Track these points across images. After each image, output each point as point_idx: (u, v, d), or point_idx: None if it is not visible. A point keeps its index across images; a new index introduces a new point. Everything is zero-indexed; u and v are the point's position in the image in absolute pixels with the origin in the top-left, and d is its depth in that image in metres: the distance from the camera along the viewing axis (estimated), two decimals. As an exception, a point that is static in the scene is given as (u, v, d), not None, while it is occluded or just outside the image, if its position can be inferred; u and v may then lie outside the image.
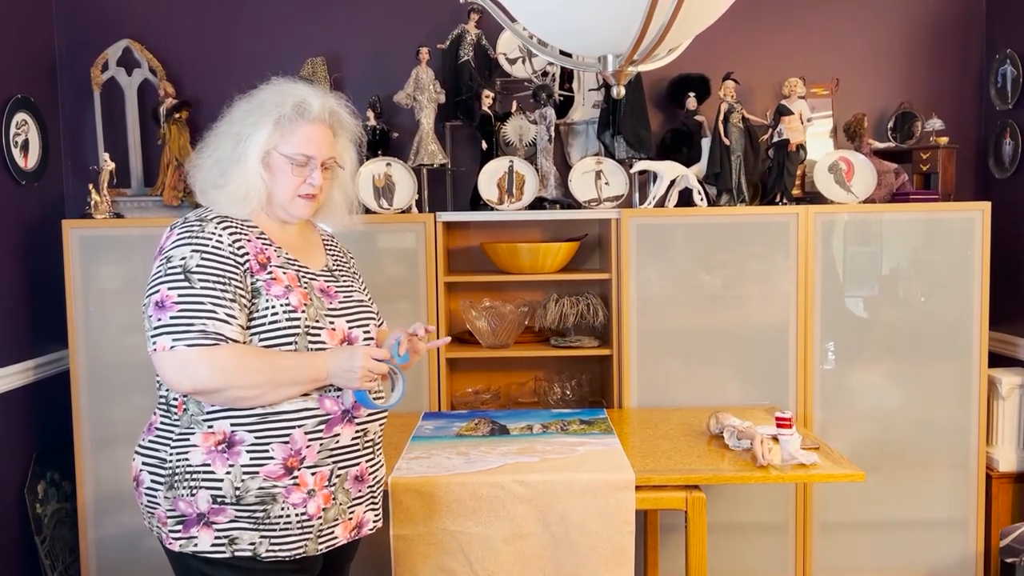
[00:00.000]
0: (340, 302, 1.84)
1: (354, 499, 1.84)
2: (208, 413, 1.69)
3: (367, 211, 3.00)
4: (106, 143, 3.15)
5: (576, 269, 3.22)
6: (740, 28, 3.23)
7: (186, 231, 1.70)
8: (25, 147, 3.02)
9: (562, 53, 1.53)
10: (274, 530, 1.70)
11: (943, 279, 2.96)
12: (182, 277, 1.65)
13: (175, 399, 1.72)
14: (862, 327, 2.98)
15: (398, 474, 2.24)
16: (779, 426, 2.33)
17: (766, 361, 2.98)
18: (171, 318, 1.63)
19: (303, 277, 1.79)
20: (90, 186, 2.98)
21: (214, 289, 1.65)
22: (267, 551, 1.70)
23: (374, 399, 1.77)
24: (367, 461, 1.86)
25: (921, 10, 3.33)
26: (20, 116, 2.98)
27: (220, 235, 1.71)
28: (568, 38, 1.35)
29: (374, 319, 1.93)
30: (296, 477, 1.70)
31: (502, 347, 3.07)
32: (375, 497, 1.92)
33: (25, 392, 3.00)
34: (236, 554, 1.68)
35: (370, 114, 3.09)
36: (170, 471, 1.68)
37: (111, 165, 3.00)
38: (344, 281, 1.90)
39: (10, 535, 2.91)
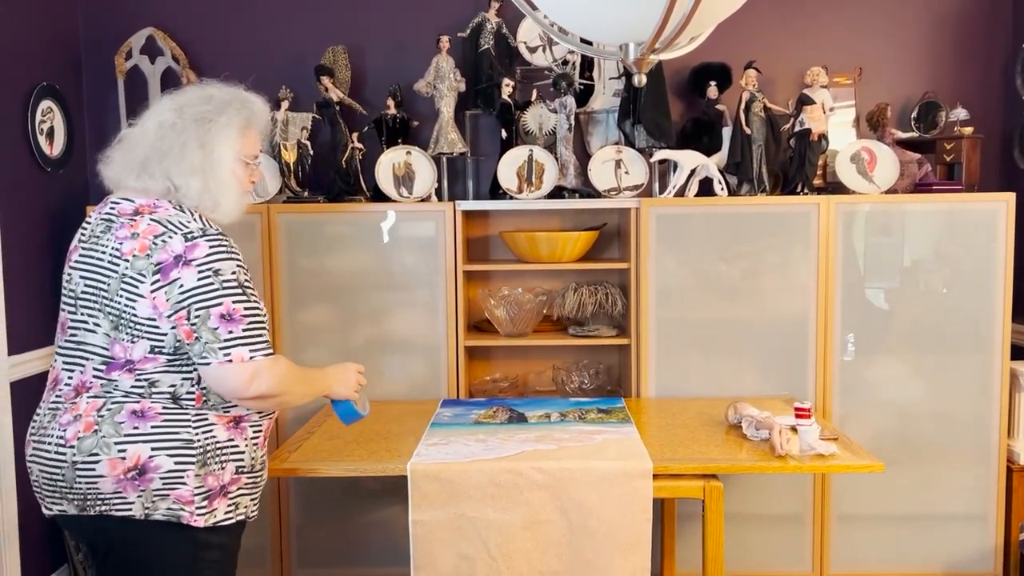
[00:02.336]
0: None
1: None
2: (227, 403, 1.78)
3: (387, 199, 3.02)
4: (130, 131, 3.18)
5: (595, 258, 3.21)
6: (762, 17, 3.21)
7: (219, 244, 1.72)
8: (51, 134, 3.06)
9: (583, 41, 1.54)
10: (254, 493, 1.85)
11: (966, 271, 2.94)
12: (240, 291, 1.72)
13: (189, 392, 1.75)
14: (883, 319, 2.97)
15: (417, 460, 2.26)
16: (798, 417, 2.32)
17: (785, 352, 2.97)
18: (244, 331, 1.70)
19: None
20: (114, 173, 3.01)
21: (259, 302, 1.77)
22: (252, 512, 1.86)
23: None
24: None
25: (947, -2, 3.29)
26: (45, 104, 3.01)
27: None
28: (589, 26, 1.35)
29: None
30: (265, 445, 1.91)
31: (520, 336, 3.08)
32: None
33: (50, 376, 3.05)
34: (237, 519, 1.81)
35: (390, 103, 3.11)
36: (200, 449, 1.74)
37: (135, 152, 3.03)
38: None
39: (36, 520, 2.95)
